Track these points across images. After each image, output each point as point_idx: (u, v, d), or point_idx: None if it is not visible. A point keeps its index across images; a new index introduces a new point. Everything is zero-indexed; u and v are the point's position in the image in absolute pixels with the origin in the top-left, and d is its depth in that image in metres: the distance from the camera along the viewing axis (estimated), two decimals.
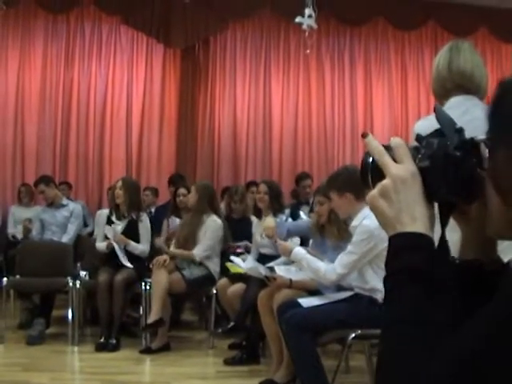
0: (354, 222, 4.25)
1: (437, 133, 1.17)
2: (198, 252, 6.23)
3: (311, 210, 6.44)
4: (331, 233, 4.79)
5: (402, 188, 1.14)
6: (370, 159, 1.20)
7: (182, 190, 7.46)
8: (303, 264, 4.46)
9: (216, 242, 6.35)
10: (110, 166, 10.10)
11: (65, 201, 7.57)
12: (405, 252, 1.12)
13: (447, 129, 1.16)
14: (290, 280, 4.89)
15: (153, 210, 8.46)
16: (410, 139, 1.66)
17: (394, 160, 1.15)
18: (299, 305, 4.36)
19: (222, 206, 7.55)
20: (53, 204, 7.40)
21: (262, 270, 5.20)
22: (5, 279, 6.37)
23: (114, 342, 6.06)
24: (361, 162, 1.23)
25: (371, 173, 1.20)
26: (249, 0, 9.85)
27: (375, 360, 1.14)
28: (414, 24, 10.59)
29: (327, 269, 4.26)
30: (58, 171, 9.88)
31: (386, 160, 1.16)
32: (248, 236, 6.65)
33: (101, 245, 6.56)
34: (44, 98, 10.06)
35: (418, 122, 2.93)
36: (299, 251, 4.52)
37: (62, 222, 7.32)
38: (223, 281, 6.06)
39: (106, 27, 10.31)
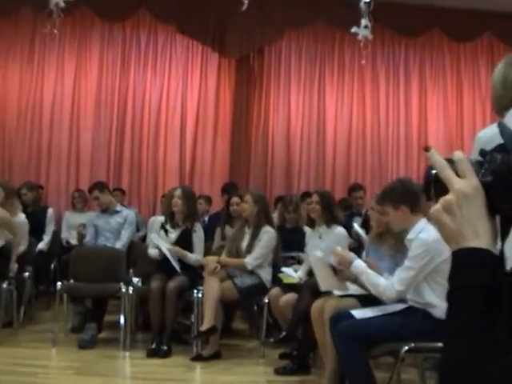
0: (410, 235, 4.20)
1: (500, 148, 1.17)
2: (249, 260, 6.22)
3: (365, 223, 6.42)
4: (388, 243, 4.77)
5: (464, 203, 1.14)
6: (433, 173, 1.20)
7: (235, 199, 7.49)
8: (362, 278, 4.42)
9: (269, 251, 6.34)
10: (163, 173, 10.17)
11: (119, 207, 7.64)
12: (466, 268, 1.13)
13: (510, 144, 1.15)
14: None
15: (206, 218, 8.48)
16: (467, 151, 1.62)
17: (457, 174, 1.16)
18: (352, 316, 4.32)
19: (275, 215, 7.53)
20: (107, 210, 7.47)
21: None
22: (59, 283, 6.46)
23: (166, 348, 6.07)
24: (424, 175, 1.23)
25: (434, 186, 1.20)
26: (304, 10, 9.82)
27: (428, 374, 1.14)
28: (470, 35, 10.45)
29: (387, 285, 4.22)
30: (111, 178, 10.00)
31: (448, 174, 1.16)
32: (300, 246, 6.60)
33: (153, 251, 6.60)
34: (99, 105, 10.21)
35: (482, 131, 2.88)
36: (359, 264, 4.46)
37: (115, 228, 7.38)
38: (275, 290, 6.02)
39: (161, 36, 10.39)
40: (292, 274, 6.10)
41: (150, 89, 10.29)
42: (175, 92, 10.29)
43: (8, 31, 10.33)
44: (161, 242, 6.52)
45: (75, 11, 9.00)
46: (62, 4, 7.32)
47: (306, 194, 8.47)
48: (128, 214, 7.56)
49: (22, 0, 9.68)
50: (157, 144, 10.23)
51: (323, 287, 5.03)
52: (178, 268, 6.41)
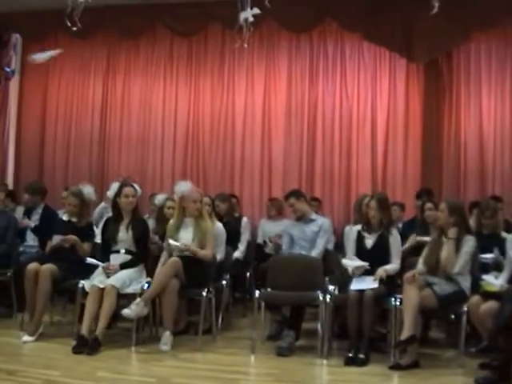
0: None
1: None
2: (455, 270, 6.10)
3: None
4: None
5: None
6: None
7: (428, 205, 7.38)
8: None
9: (470, 259, 6.15)
10: (356, 181, 10.11)
11: (314, 216, 7.66)
12: None
13: None
14: None
15: (400, 225, 8.36)
16: None
17: None
18: None
19: (471, 221, 7.30)
20: (302, 218, 7.53)
21: None
22: (257, 292, 6.57)
23: (363, 356, 6.01)
24: None
25: None
26: (492, 9, 9.46)
27: None
28: None
29: None
30: (304, 187, 10.03)
31: None
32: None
33: (347, 262, 6.60)
34: (290, 116, 10.35)
35: None
36: None
37: (310, 237, 7.41)
38: (475, 298, 5.80)
39: (348, 44, 10.37)
40: (493, 281, 5.87)
41: (340, 98, 10.27)
42: (365, 100, 10.22)
43: (199, 48, 10.73)
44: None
45: (262, 24, 9.15)
46: (251, 19, 7.44)
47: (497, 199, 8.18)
48: (323, 222, 7.57)
49: (212, 16, 10.02)
50: (349, 152, 10.20)
51: None
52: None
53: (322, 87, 10.34)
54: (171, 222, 7.14)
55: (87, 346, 6.24)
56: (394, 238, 6.65)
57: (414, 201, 8.96)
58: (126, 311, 6.30)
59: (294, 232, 7.51)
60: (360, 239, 6.70)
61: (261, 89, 10.47)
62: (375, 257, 6.55)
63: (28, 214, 8.69)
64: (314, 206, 9.02)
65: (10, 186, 10.42)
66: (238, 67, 10.57)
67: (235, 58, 10.54)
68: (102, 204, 8.31)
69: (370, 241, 6.64)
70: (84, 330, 6.38)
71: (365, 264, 6.47)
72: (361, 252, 6.66)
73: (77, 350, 6.22)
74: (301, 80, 10.40)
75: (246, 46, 7.53)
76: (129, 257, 6.86)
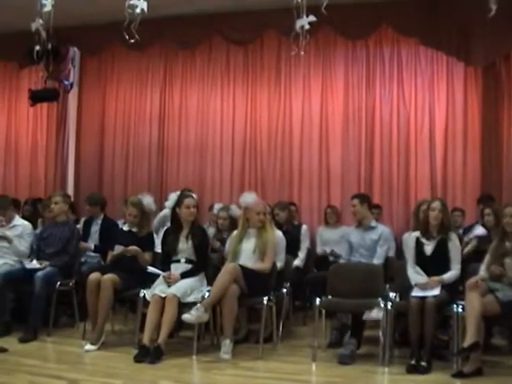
0: None
1: None
2: None
3: None
4: None
5: None
6: None
7: (487, 210, 7.40)
8: None
9: None
10: (415, 188, 9.99)
11: (374, 223, 7.61)
12: None
13: None
14: None
15: (460, 231, 8.26)
16: None
17: None
18: None
19: None
20: (361, 225, 7.50)
21: None
22: (317, 299, 6.53)
23: (425, 364, 5.94)
24: None
25: None
26: None
27: None
28: None
29: None
30: None
31: None
32: None
33: (414, 276, 6.52)
34: (347, 123, 10.30)
35: None
36: None
37: (370, 245, 7.38)
38: None
39: (404, 49, 10.27)
40: None
41: (397, 104, 10.17)
42: (422, 106, 10.09)
43: (255, 57, 10.77)
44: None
45: (318, 32, 9.13)
46: (308, 26, 7.43)
47: None
48: (383, 230, 7.55)
49: (267, 25, 10.04)
50: (407, 158, 10.08)
51: None
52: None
53: (379, 93, 10.26)
54: (235, 232, 7.19)
55: (149, 354, 6.29)
56: (454, 243, 6.56)
57: (473, 206, 8.84)
58: (186, 316, 6.35)
59: (353, 239, 7.50)
60: (419, 246, 6.62)
61: (318, 96, 10.43)
62: (435, 263, 6.48)
63: (88, 224, 8.82)
64: (375, 213, 8.97)
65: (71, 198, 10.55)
66: (294, 75, 10.56)
67: (291, 65, 10.52)
68: (165, 211, 8.35)
69: (429, 247, 6.55)
70: (146, 339, 6.43)
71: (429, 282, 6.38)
72: (420, 259, 6.57)
73: (138, 359, 6.27)
74: (358, 87, 10.34)
75: (302, 53, 7.53)
76: (189, 266, 6.90)
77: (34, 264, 7.54)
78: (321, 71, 10.49)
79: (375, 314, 6.33)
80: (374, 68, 10.33)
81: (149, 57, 11.25)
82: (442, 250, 6.51)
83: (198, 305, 6.38)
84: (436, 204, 6.61)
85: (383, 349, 6.22)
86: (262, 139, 10.68)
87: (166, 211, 8.00)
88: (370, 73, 10.33)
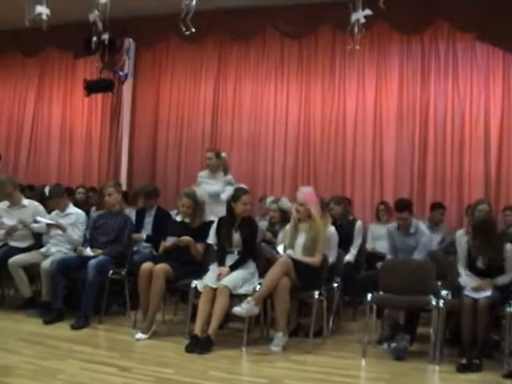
0: None
1: None
2: None
3: None
4: None
5: None
6: None
7: None
8: None
9: None
10: (468, 184, 9.87)
11: (413, 229, 7.46)
12: None
13: None
14: None
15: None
16: None
17: None
18: None
19: None
20: (401, 229, 7.45)
21: None
22: (369, 295, 6.49)
23: (477, 363, 5.88)
24: None
25: None
26: None
27: None
28: None
29: None
30: (415, 189, 9.99)
31: None
32: None
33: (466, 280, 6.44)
34: (401, 118, 10.23)
35: None
36: None
37: (410, 250, 7.31)
38: None
39: (460, 44, 10.15)
40: None
41: (452, 99, 10.05)
42: (477, 100, 9.95)
43: (309, 50, 10.74)
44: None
45: (373, 26, 9.07)
46: (363, 20, 7.40)
47: None
48: (421, 238, 7.42)
49: (322, 18, 10.01)
50: (461, 154, 9.96)
51: None
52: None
53: (433, 88, 10.16)
54: (287, 226, 7.19)
55: (199, 345, 6.34)
56: (508, 250, 6.42)
57: None
58: (236, 309, 6.37)
59: (396, 240, 7.47)
60: (471, 252, 6.53)
61: (372, 91, 10.38)
62: (488, 270, 6.40)
63: (141, 215, 8.89)
64: (440, 213, 9.12)
65: (124, 188, 10.64)
66: (348, 69, 10.53)
67: (346, 60, 10.49)
68: None
69: (479, 262, 6.45)
70: (197, 329, 6.48)
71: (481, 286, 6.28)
72: (473, 266, 6.50)
73: (189, 349, 6.33)
74: (412, 81, 10.26)
75: (357, 47, 7.50)
76: None
77: (88, 252, 7.64)
78: (375, 66, 10.42)
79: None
80: (429, 63, 10.22)
81: (203, 49, 11.31)
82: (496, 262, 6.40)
83: (249, 298, 6.40)
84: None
85: (434, 347, 6.17)
86: (315, 133, 10.66)
87: None
88: (425, 67, 10.23)
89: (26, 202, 8.39)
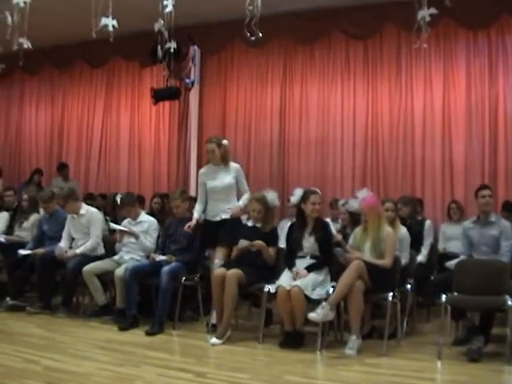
0: None
1: None
2: None
3: None
4: None
5: None
6: None
7: None
8: None
9: None
10: None
11: (493, 217, 7.35)
12: None
13: None
14: None
15: None
16: None
17: None
18: None
19: None
20: (480, 220, 7.32)
21: None
22: (443, 296, 6.40)
23: None
24: None
25: None
26: None
27: None
28: None
29: None
30: None
31: None
32: None
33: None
34: (470, 116, 10.08)
35: None
36: None
37: (491, 241, 7.18)
38: None
39: None
40: None
41: None
42: None
43: (374, 51, 10.67)
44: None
45: (438, 24, 8.98)
46: (428, 18, 7.34)
47: None
48: (505, 225, 7.26)
49: (387, 18, 9.96)
50: None
51: None
52: None
53: (502, 84, 9.97)
54: (356, 229, 7.17)
55: (293, 339, 6.58)
56: None
57: None
58: (312, 315, 6.35)
59: (473, 235, 7.30)
60: None
61: (439, 89, 10.24)
62: None
63: None
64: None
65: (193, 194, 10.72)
66: (415, 68, 10.41)
67: (412, 58, 10.40)
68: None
69: None
70: (287, 326, 6.70)
71: None
72: None
73: (284, 345, 6.60)
74: (480, 78, 10.10)
75: (425, 46, 7.45)
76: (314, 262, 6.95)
77: (161, 257, 7.74)
78: (442, 63, 10.29)
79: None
80: (497, 58, 10.06)
81: (268, 53, 11.36)
82: None
83: (324, 303, 6.38)
84: None
85: (510, 348, 6.05)
86: (383, 133, 10.59)
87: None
88: (493, 63, 10.07)
89: (83, 210, 8.58)
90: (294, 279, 6.74)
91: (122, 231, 8.22)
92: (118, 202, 8.59)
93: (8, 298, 8.45)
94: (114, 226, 8.29)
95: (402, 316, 7.01)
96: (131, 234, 8.15)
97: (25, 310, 8.32)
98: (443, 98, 10.22)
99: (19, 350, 6.48)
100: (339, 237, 7.89)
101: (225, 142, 7.83)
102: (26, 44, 8.49)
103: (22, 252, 8.58)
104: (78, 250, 8.25)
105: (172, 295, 7.54)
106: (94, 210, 8.60)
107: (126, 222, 8.42)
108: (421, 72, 10.35)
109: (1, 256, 9.06)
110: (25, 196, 9.55)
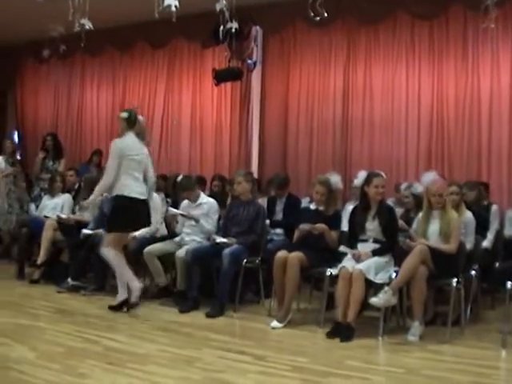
0: None
1: None
2: None
3: None
4: None
5: None
6: None
7: None
8: None
9: None
10: None
11: None
12: None
13: None
14: None
15: None
16: None
17: None
18: None
19: None
20: None
21: None
22: (509, 283, 6.24)
23: None
24: None
25: None
26: None
27: None
28: None
29: None
30: None
31: None
32: None
33: None
34: None
35: None
36: None
37: None
38: None
39: None
40: None
41: None
42: None
43: (440, 31, 10.43)
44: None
45: (506, 3, 8.74)
46: None
47: None
48: None
49: None
50: None
51: None
52: None
53: None
54: (420, 214, 7.04)
55: (342, 332, 6.36)
56: None
57: None
58: (374, 300, 6.29)
59: None
60: None
61: (507, 70, 9.87)
62: None
63: (272, 203, 8.95)
64: None
65: (255, 175, 10.70)
66: (482, 48, 10.08)
67: (479, 39, 10.05)
68: None
69: None
70: (339, 315, 6.49)
71: None
72: None
73: (331, 336, 6.40)
74: None
75: (492, 26, 7.27)
76: (377, 246, 6.84)
77: (222, 239, 7.75)
78: (510, 44, 9.93)
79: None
80: None
81: (331, 34, 11.18)
82: None
83: (386, 288, 6.31)
84: None
85: None
86: (448, 115, 10.30)
87: None
88: None
89: None
90: (357, 261, 6.66)
91: (181, 215, 8.25)
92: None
93: (69, 279, 8.56)
94: (173, 210, 8.32)
95: (466, 302, 6.87)
96: (191, 217, 8.16)
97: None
98: (511, 79, 9.90)
99: (80, 330, 6.58)
100: (401, 222, 7.78)
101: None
102: (88, 25, 8.56)
103: (86, 231, 8.69)
104: (137, 233, 8.28)
105: (233, 278, 7.56)
106: (155, 194, 8.64)
107: (185, 203, 8.43)
108: (488, 52, 10.03)
109: (63, 237, 9.18)
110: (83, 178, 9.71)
